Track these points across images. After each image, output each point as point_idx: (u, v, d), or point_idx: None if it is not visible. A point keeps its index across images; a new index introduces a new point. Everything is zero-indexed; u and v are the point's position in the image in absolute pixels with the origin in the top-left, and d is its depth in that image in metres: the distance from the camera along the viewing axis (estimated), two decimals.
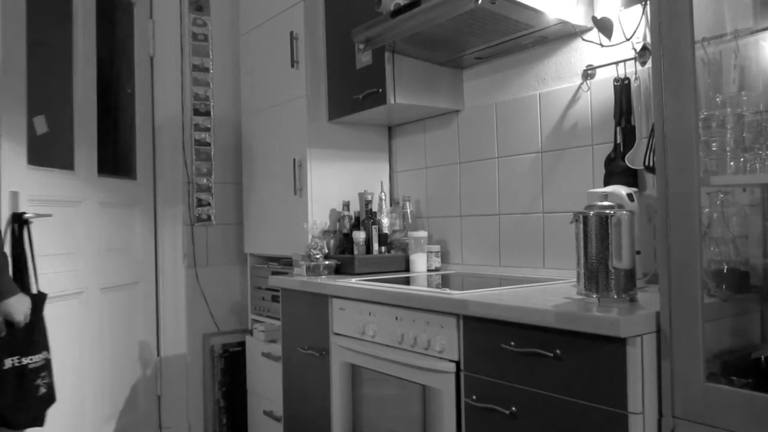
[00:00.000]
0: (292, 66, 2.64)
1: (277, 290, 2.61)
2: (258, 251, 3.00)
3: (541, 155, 2.17)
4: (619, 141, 1.87)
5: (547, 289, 1.73)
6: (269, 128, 2.86)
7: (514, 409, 1.46)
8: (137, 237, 2.89)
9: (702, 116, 1.32)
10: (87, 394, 2.56)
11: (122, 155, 2.96)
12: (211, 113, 3.14)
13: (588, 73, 2.00)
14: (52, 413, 2.05)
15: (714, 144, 1.33)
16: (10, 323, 1.92)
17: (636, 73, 1.84)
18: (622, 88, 1.86)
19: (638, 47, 1.81)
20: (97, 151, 2.64)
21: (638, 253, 1.48)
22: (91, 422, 2.65)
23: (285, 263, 2.78)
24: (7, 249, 2.02)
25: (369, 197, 2.56)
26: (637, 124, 1.84)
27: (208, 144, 3.13)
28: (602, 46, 1.93)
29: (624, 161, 1.83)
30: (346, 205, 2.61)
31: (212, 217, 3.14)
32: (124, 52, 2.95)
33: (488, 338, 1.52)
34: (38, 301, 2.04)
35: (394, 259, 2.48)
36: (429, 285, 1.98)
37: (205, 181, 3.12)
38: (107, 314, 2.68)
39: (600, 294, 1.39)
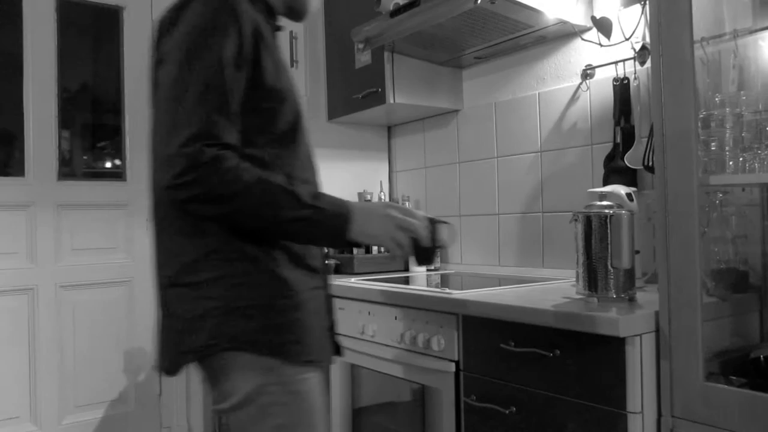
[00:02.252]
0: (291, 65, 2.64)
1: None
2: None
3: (541, 155, 2.17)
4: (618, 140, 1.87)
5: (547, 288, 1.73)
6: None
7: (513, 408, 1.46)
8: (125, 236, 2.91)
9: (701, 116, 1.32)
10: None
11: (108, 158, 2.99)
12: None
13: (587, 73, 2.00)
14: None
15: (713, 144, 1.34)
16: None
17: (635, 73, 1.84)
18: (622, 87, 1.86)
19: (637, 47, 1.81)
20: (57, 157, 2.75)
21: (637, 252, 1.48)
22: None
23: None
24: None
25: (368, 197, 2.56)
26: (637, 124, 1.84)
27: None
28: (601, 45, 1.93)
29: (623, 161, 1.83)
30: None
31: None
32: (113, 56, 2.96)
33: (487, 338, 1.52)
34: None
35: (394, 259, 2.48)
36: (428, 284, 1.98)
37: None
38: (73, 310, 2.77)
39: (599, 294, 1.39)
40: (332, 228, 1.10)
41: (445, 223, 1.39)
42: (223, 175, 1.02)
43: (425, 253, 1.29)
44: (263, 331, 1.10)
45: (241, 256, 1.10)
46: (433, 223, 1.37)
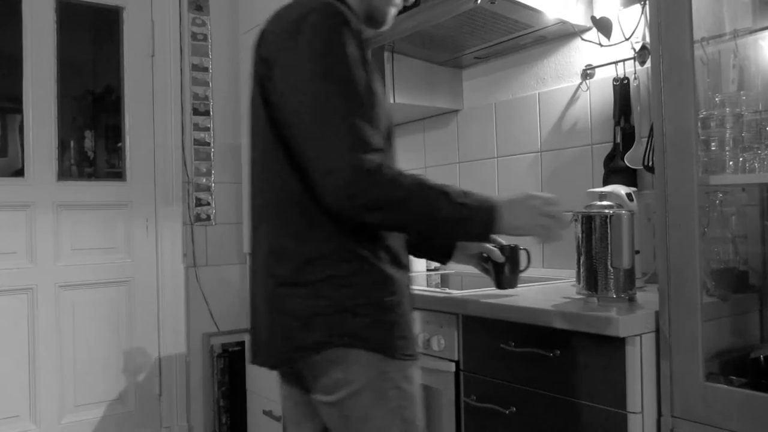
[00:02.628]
0: None
1: None
2: None
3: (540, 155, 2.17)
4: (618, 140, 1.87)
5: (547, 288, 1.73)
6: None
7: (513, 409, 1.46)
8: (124, 237, 2.91)
9: (701, 116, 1.32)
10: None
11: (109, 158, 3.01)
12: (211, 113, 3.14)
13: (587, 73, 2.00)
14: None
15: (713, 143, 1.34)
16: None
17: (635, 73, 1.84)
18: (622, 87, 1.86)
19: (637, 47, 1.81)
20: (57, 157, 2.77)
21: (637, 252, 1.48)
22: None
23: None
24: None
25: None
26: (637, 124, 1.84)
27: (208, 144, 3.13)
28: (601, 45, 1.93)
29: (623, 161, 1.83)
30: None
31: (212, 217, 3.14)
32: (113, 55, 2.97)
33: (487, 338, 1.52)
34: None
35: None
36: (428, 284, 1.98)
37: (204, 180, 3.12)
38: (73, 310, 2.79)
39: (599, 294, 1.39)
40: (483, 224, 1.15)
41: (524, 249, 1.51)
42: (387, 183, 1.07)
43: (507, 277, 1.45)
44: (374, 327, 1.14)
45: (351, 256, 1.15)
46: (513, 249, 1.50)
